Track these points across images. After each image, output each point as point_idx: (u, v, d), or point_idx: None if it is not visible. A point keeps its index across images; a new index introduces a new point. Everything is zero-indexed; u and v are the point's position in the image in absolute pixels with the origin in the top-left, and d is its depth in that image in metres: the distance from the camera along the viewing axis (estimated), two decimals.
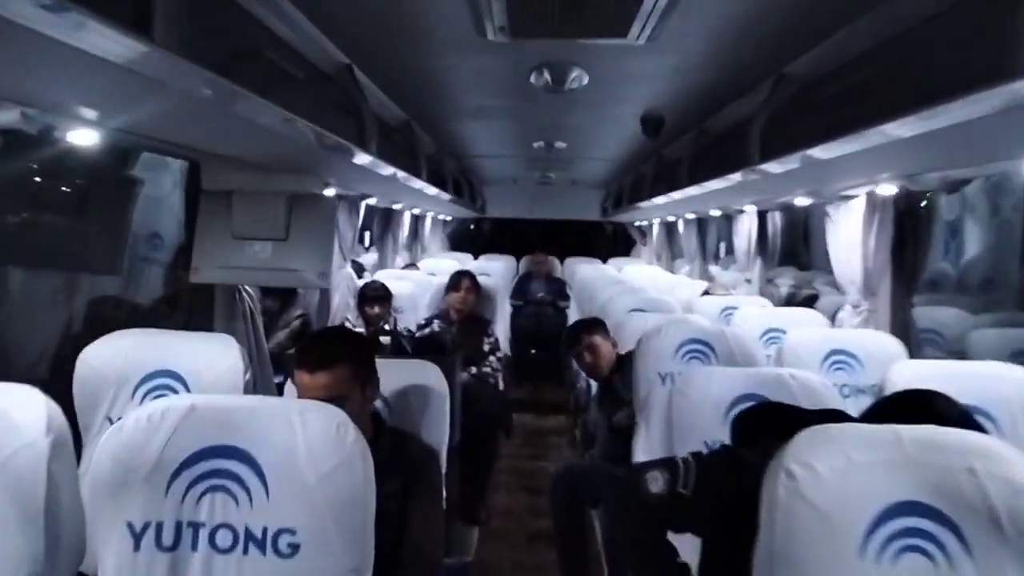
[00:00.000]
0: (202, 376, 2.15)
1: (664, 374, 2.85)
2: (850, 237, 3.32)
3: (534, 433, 6.19)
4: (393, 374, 2.29)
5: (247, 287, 3.27)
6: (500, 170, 6.74)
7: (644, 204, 5.50)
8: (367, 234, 7.50)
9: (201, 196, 2.80)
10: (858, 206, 3.27)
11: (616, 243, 10.34)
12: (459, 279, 4.68)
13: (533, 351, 7.36)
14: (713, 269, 6.94)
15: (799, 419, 1.52)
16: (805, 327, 3.16)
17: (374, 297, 4.59)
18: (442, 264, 7.24)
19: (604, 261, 9.14)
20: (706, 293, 5.20)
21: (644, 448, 2.80)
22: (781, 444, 1.35)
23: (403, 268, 6.71)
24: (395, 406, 2.30)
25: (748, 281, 5.27)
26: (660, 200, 4.64)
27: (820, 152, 2.28)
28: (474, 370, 4.40)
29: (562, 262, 9.03)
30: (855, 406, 2.45)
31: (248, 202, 2.73)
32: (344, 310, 4.96)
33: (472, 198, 7.23)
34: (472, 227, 11.11)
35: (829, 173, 2.78)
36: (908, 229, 3.21)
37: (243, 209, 2.73)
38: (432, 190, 4.38)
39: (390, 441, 2.08)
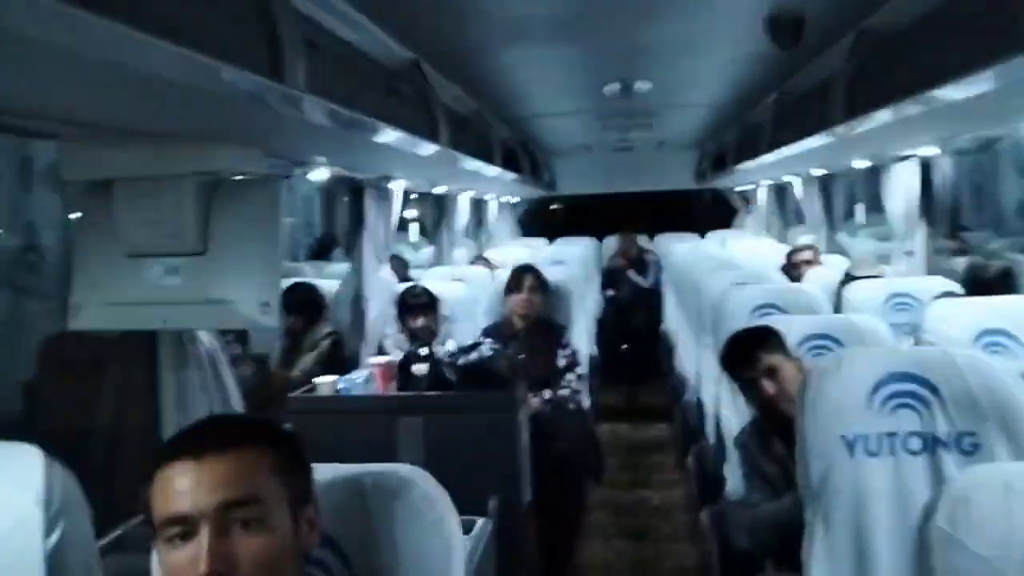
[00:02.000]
0: None
1: (852, 438, 1.65)
2: None
3: (632, 450, 5.29)
4: (347, 495, 1.17)
5: None
6: (566, 134, 5.64)
7: (756, 161, 4.25)
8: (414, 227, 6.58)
9: (76, 195, 1.78)
10: None
11: (718, 213, 8.98)
12: (520, 277, 3.71)
13: (624, 347, 6.49)
14: (842, 239, 5.62)
15: None
16: None
17: (415, 305, 3.72)
18: (511, 254, 6.20)
19: (702, 235, 7.98)
20: (848, 276, 3.92)
21: (824, 562, 1.68)
22: None
23: (473, 263, 5.69)
24: (358, 563, 1.17)
25: (909, 254, 3.92)
26: (788, 150, 3.38)
27: None
28: (548, 395, 3.43)
29: (652, 239, 7.84)
30: None
31: (138, 196, 1.67)
32: (382, 324, 4.02)
33: (535, 173, 6.10)
34: (551, 207, 10.04)
35: None
36: None
37: (130, 208, 1.67)
38: (472, 163, 3.23)
39: None
